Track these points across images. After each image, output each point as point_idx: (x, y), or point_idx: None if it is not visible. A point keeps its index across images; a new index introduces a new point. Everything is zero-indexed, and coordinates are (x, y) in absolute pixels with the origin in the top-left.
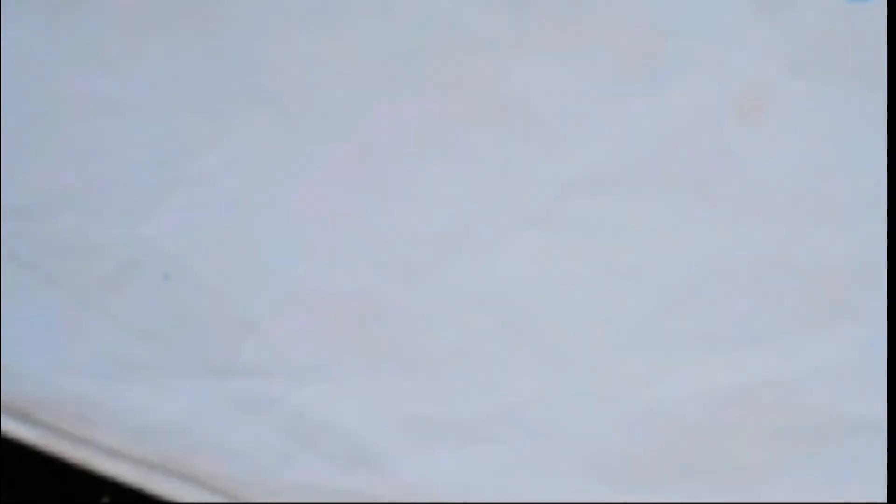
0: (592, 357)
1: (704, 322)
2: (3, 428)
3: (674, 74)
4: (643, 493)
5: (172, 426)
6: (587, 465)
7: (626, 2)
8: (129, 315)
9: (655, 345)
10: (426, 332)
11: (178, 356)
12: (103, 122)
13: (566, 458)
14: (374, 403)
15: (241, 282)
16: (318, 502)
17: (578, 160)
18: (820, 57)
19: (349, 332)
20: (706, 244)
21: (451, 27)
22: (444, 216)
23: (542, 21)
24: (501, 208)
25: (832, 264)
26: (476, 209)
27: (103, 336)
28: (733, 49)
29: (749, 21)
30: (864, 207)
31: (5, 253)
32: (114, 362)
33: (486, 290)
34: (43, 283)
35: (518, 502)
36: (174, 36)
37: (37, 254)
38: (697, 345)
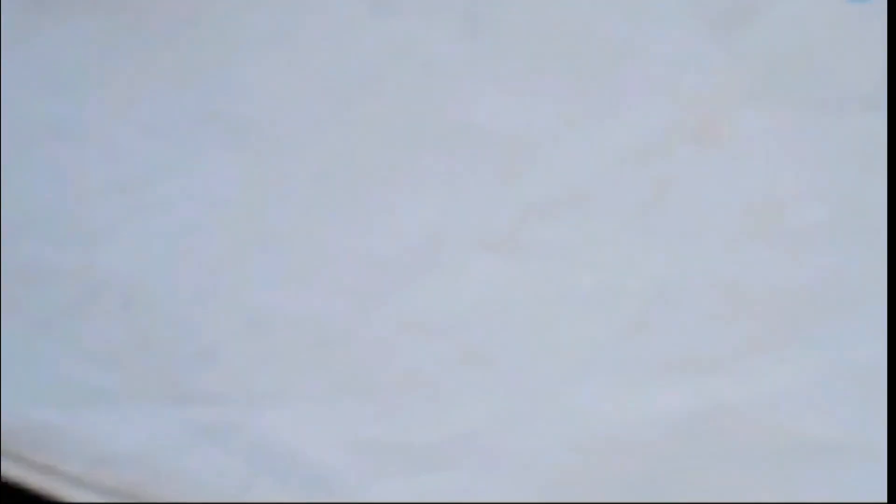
0: (550, 382)
1: (662, 347)
2: None
3: (629, 98)
4: None
5: (134, 454)
6: (546, 491)
7: (580, 27)
8: (90, 342)
9: (613, 370)
10: (384, 358)
11: (139, 383)
12: (62, 148)
13: (525, 485)
14: (333, 430)
15: (201, 308)
16: None
17: (535, 184)
18: (777, 80)
19: (308, 357)
20: (662, 269)
21: (407, 53)
22: (401, 241)
23: (496, 46)
24: (458, 233)
25: (788, 290)
26: (433, 234)
27: (64, 364)
28: (689, 72)
29: (704, 44)
30: (821, 234)
31: None
32: (75, 390)
33: (443, 315)
34: (2, 310)
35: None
36: (135, 61)
37: None
38: (655, 369)
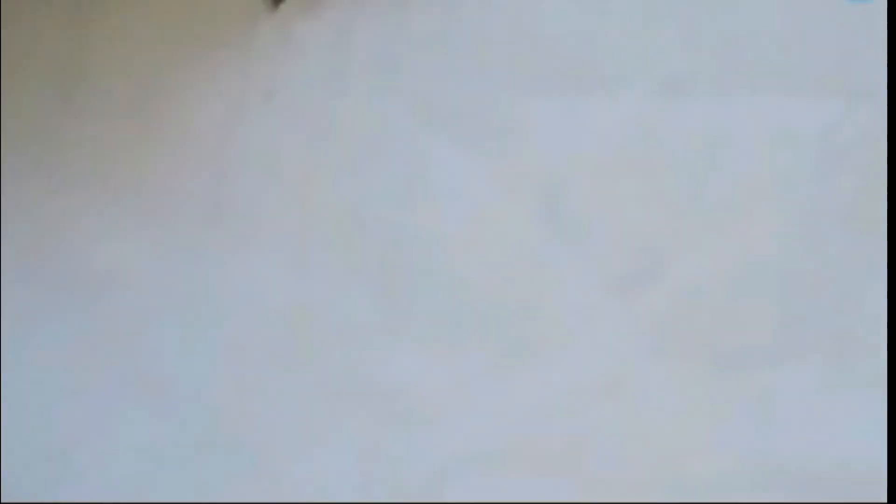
0: None
1: None
2: None
3: (537, 357)
4: None
5: None
6: None
7: (489, 289)
8: None
9: None
10: None
11: None
12: None
13: None
14: None
15: None
16: None
17: (452, 442)
18: (677, 336)
19: None
20: None
21: (325, 315)
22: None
23: (414, 308)
24: (377, 492)
25: None
26: (350, 493)
27: None
28: (594, 331)
29: (608, 303)
30: (722, 485)
31: None
32: None
33: None
34: None
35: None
36: (57, 326)
37: None
38: None
